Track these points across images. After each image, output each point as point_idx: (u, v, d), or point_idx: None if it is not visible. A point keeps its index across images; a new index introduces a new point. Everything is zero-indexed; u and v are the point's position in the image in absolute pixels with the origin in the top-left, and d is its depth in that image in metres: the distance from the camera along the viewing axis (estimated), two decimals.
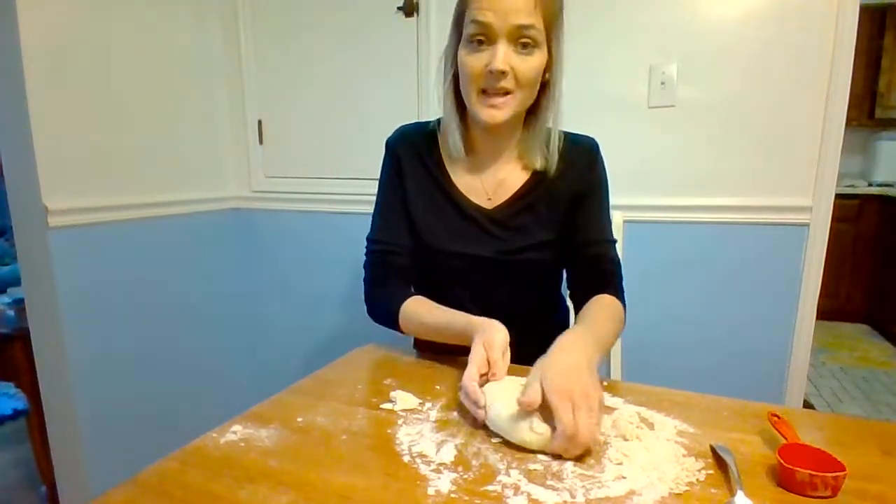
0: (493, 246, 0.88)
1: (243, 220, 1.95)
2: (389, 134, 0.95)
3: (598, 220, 0.89)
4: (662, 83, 1.37)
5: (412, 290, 0.92)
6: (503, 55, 0.75)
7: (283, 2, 1.77)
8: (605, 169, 0.91)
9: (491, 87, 0.78)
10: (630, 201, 1.38)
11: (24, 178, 1.34)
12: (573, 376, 0.58)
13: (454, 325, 0.79)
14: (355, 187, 1.74)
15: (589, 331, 0.72)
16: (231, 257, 1.94)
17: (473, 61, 0.78)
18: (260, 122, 1.88)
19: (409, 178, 0.90)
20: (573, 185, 0.87)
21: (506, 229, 0.88)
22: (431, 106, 1.61)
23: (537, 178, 0.88)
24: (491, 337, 0.70)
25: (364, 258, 0.93)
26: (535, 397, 0.56)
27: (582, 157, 0.88)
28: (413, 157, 0.91)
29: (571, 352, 0.63)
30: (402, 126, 0.95)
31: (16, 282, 1.63)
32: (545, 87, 0.83)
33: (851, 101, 1.26)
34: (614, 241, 0.90)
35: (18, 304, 1.59)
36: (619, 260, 0.90)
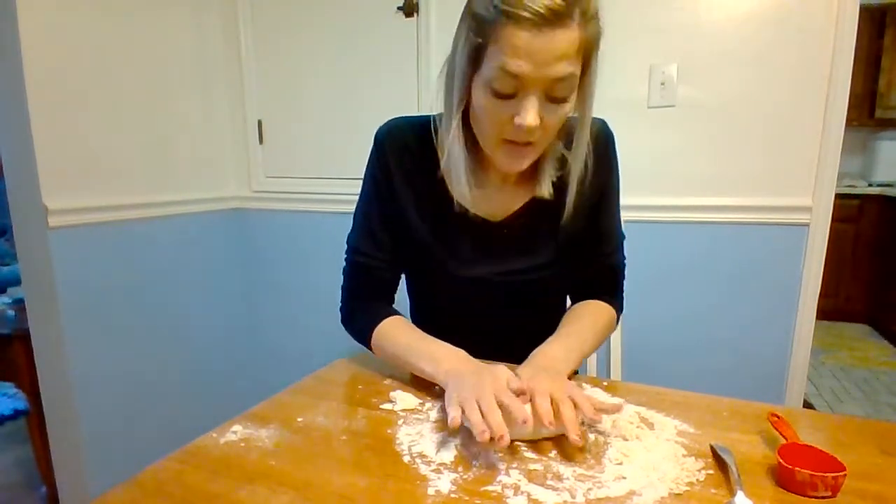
0: (499, 267, 0.80)
1: (243, 220, 1.95)
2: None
3: (609, 226, 0.84)
4: (662, 83, 1.37)
5: (392, 306, 0.84)
6: (535, 112, 0.62)
7: (283, 2, 1.77)
8: (617, 159, 0.82)
9: (516, 138, 0.66)
10: (629, 201, 1.36)
11: (24, 178, 1.34)
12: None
13: (426, 347, 0.72)
14: (355, 187, 1.69)
15: (563, 344, 0.72)
16: (231, 257, 1.94)
17: (497, 111, 0.64)
18: (260, 122, 1.88)
19: (401, 183, 0.80)
20: (587, 190, 0.78)
21: (513, 247, 0.80)
22: (431, 106, 1.61)
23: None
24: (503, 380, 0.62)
25: (344, 264, 0.85)
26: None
27: (593, 155, 0.76)
28: (406, 158, 0.80)
29: (543, 362, 0.67)
30: (394, 119, 0.83)
31: (16, 282, 1.63)
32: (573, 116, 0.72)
33: (851, 101, 1.26)
34: (622, 240, 0.86)
35: (18, 304, 1.60)
36: (623, 264, 0.87)
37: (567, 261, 0.84)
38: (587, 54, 0.64)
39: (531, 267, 0.81)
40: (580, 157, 0.73)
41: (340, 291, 0.87)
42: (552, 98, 0.63)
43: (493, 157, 0.71)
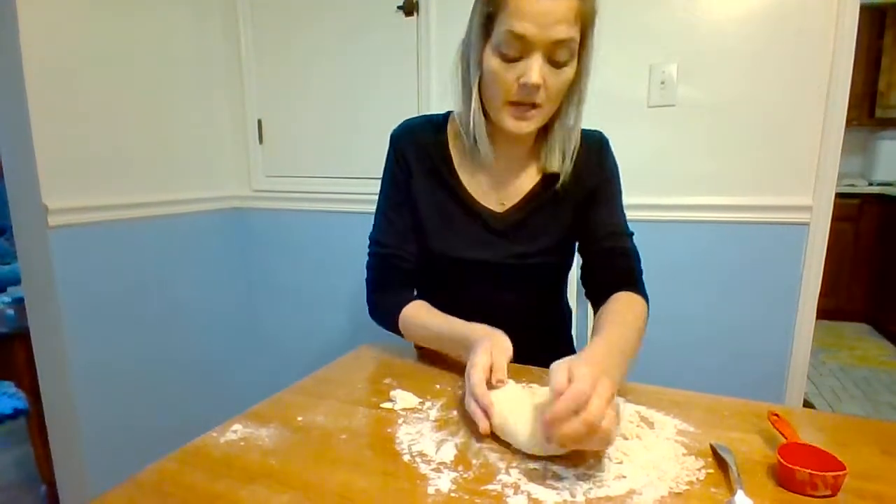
0: (504, 251, 0.86)
1: (243, 220, 1.95)
2: (389, 133, 0.91)
3: (612, 213, 0.87)
4: (662, 83, 1.37)
5: (415, 294, 0.90)
6: (538, 69, 0.71)
7: (283, 2, 1.77)
8: (615, 163, 0.89)
9: (521, 99, 0.74)
10: (629, 201, 1.36)
11: (24, 178, 1.34)
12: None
13: (454, 331, 0.77)
14: (355, 187, 1.74)
15: (612, 346, 0.64)
16: (231, 257, 1.94)
17: (505, 73, 0.73)
18: (260, 122, 1.88)
19: (416, 176, 0.87)
20: (584, 183, 0.86)
21: (517, 234, 0.86)
22: (431, 105, 1.61)
23: (548, 179, 0.86)
24: (499, 343, 0.68)
25: (367, 258, 0.91)
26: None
27: (591, 154, 0.87)
28: (420, 154, 0.87)
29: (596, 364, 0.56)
30: (408, 120, 0.92)
31: (16, 281, 1.63)
32: (570, 88, 0.79)
33: (851, 101, 1.26)
34: (631, 234, 0.88)
35: (18, 303, 1.59)
36: (636, 252, 0.88)
37: (569, 246, 0.91)
38: (584, 27, 0.73)
39: (537, 251, 0.86)
40: (577, 125, 0.82)
41: (365, 285, 0.92)
42: (553, 62, 0.72)
43: (500, 120, 0.78)
